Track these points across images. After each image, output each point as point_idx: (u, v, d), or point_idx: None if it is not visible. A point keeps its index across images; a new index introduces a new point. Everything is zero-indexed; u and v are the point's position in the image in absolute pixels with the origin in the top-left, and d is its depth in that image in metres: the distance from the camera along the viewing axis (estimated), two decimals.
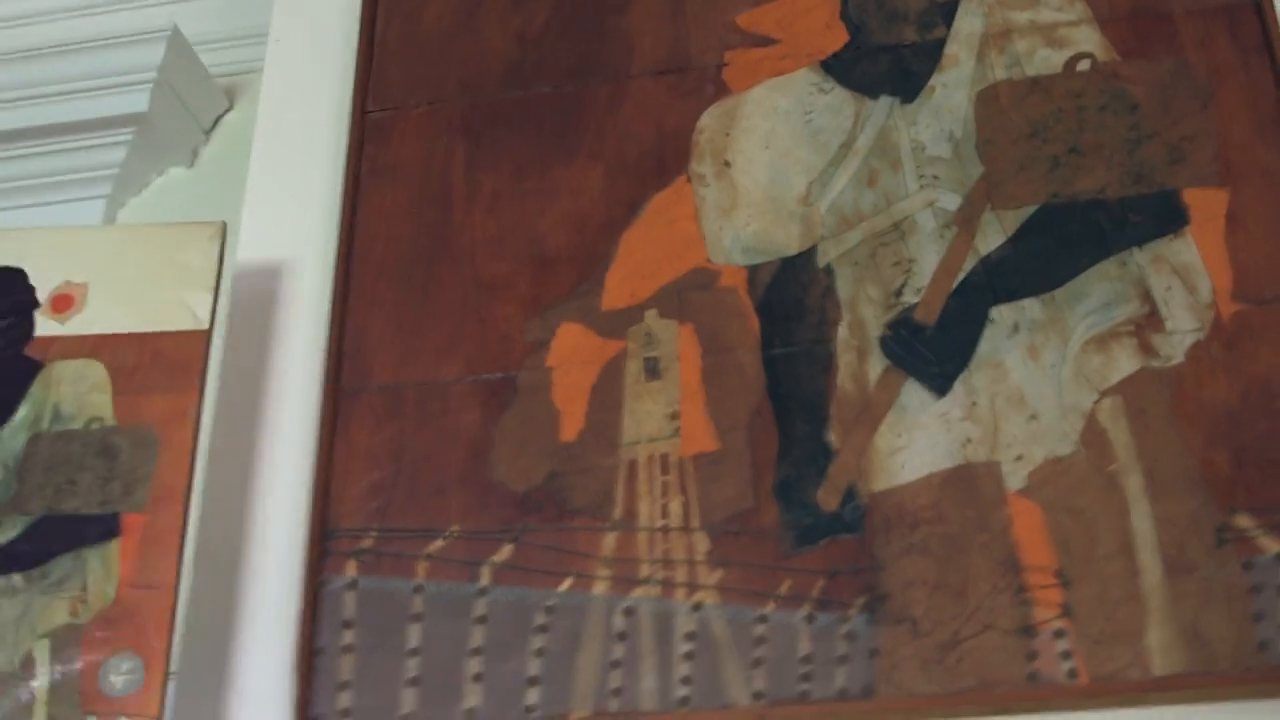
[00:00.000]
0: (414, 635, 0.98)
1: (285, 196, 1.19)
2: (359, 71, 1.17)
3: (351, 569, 1.01)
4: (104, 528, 1.01)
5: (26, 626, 0.99)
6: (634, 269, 1.06)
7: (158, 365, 1.05)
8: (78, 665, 0.97)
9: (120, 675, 0.97)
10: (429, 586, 1.00)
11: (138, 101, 1.90)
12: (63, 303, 1.09)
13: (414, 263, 1.10)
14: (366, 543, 1.02)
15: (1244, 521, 0.91)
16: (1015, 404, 0.97)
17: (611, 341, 1.04)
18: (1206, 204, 1.00)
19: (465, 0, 1.20)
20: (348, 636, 1.00)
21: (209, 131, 2.00)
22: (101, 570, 1.00)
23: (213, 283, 1.07)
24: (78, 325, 1.08)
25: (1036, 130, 1.04)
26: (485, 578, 0.99)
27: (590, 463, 1.01)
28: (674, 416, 1.01)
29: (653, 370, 1.03)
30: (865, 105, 1.08)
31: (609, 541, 0.98)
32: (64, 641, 0.98)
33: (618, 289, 1.06)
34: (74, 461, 1.03)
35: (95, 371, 1.06)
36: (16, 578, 1.00)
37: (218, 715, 1.01)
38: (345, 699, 0.98)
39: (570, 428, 1.02)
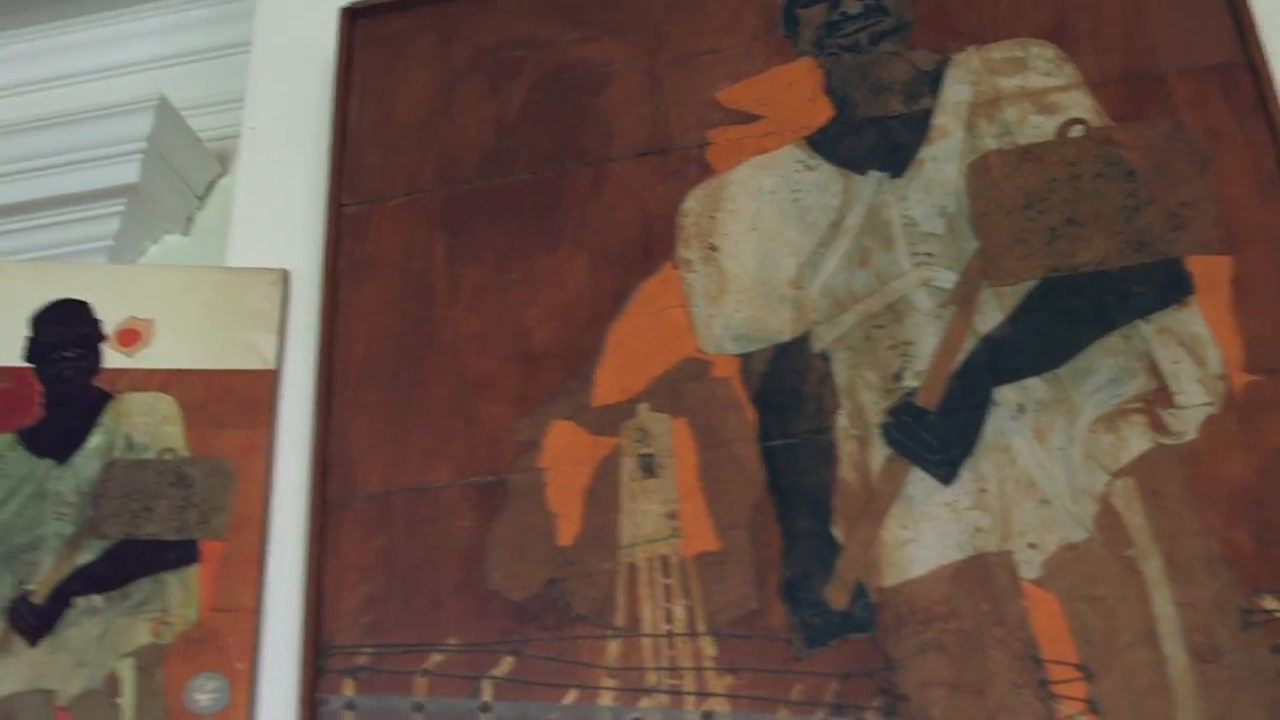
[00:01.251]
0: None
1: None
2: (333, 163, 1.14)
3: (349, 688, 0.98)
4: (183, 553, 1.06)
5: (109, 646, 1.04)
6: (624, 362, 1.03)
7: (228, 401, 1.11)
8: (163, 684, 1.01)
9: (206, 694, 1.01)
10: (429, 704, 0.97)
11: (128, 172, 1.89)
12: (129, 337, 1.15)
13: (398, 362, 1.07)
14: (362, 660, 0.99)
15: (1271, 603, 0.88)
16: (1025, 489, 0.93)
17: (604, 439, 1.01)
18: (1211, 271, 0.97)
19: (440, 86, 1.16)
20: None
21: (202, 197, 1.99)
22: (182, 593, 1.05)
23: (277, 325, 1.13)
24: (145, 359, 1.14)
25: (1031, 201, 1.01)
26: (487, 693, 0.96)
27: (589, 567, 0.98)
28: (672, 516, 0.98)
29: (648, 468, 1.00)
30: (853, 181, 1.05)
31: (613, 649, 0.95)
32: (148, 661, 1.03)
33: (608, 383, 1.02)
34: (149, 489, 1.08)
35: (166, 404, 1.12)
36: (96, 598, 1.05)
37: None
38: None
39: (567, 531, 0.99)
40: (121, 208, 1.88)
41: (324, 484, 1.04)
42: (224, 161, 2.00)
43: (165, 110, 1.88)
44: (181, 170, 1.93)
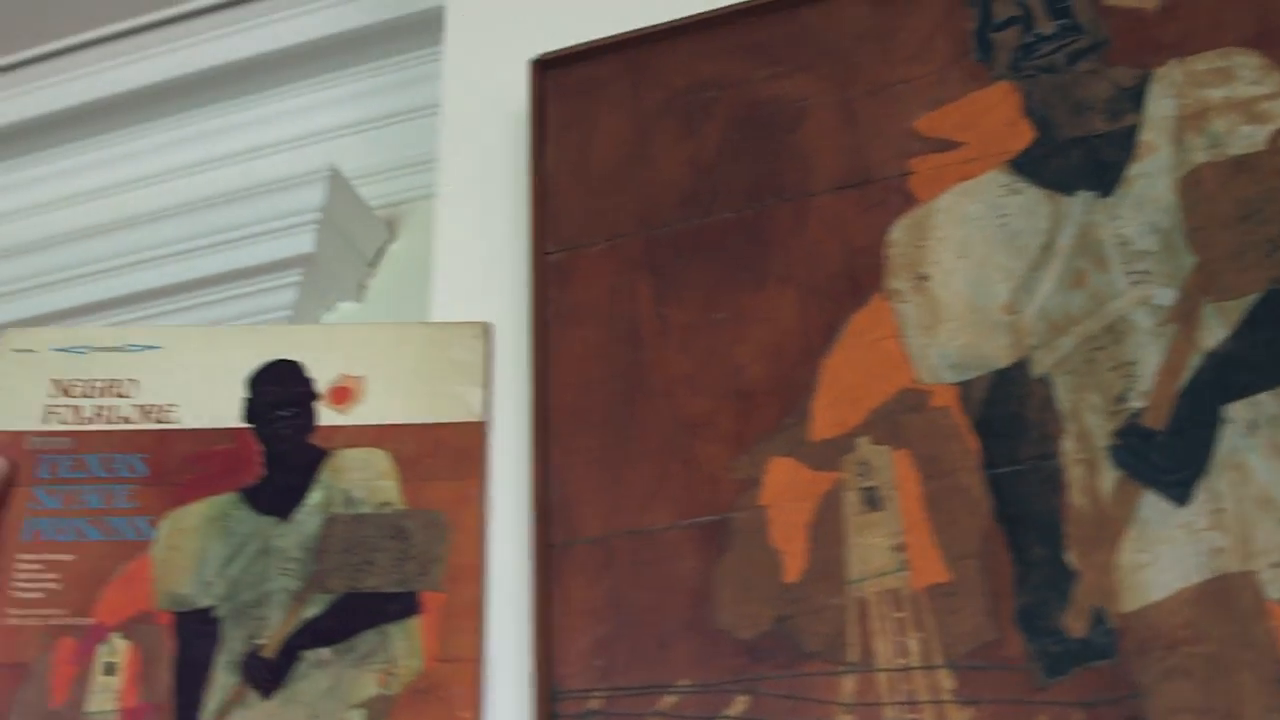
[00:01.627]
0: None
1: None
2: (533, 213, 1.16)
3: None
4: (404, 605, 1.08)
5: (338, 698, 1.06)
6: (840, 395, 1.02)
7: (440, 454, 1.13)
8: None
9: None
10: None
11: (304, 243, 1.93)
12: (342, 394, 1.18)
13: (611, 406, 1.08)
14: (594, 704, 0.99)
15: None
16: (1264, 507, 0.91)
17: (824, 474, 1.01)
18: None
19: (633, 131, 1.17)
20: None
21: (373, 264, 2.02)
22: (406, 645, 1.07)
23: (482, 378, 1.16)
24: (359, 416, 1.17)
25: (1248, 213, 0.99)
26: None
27: (818, 603, 0.97)
28: (900, 548, 0.97)
29: (872, 501, 0.99)
30: (1061, 203, 1.04)
31: (848, 685, 0.94)
32: (377, 712, 1.05)
33: (825, 417, 1.02)
34: (369, 543, 1.10)
35: (380, 459, 1.14)
36: (325, 651, 1.08)
37: None
38: None
39: (793, 568, 0.99)
40: (298, 278, 1.92)
41: (547, 528, 1.05)
42: (392, 227, 2.04)
43: (337, 181, 1.92)
44: (353, 238, 1.97)
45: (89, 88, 2.10)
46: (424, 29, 1.99)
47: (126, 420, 1.21)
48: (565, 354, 1.10)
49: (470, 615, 1.08)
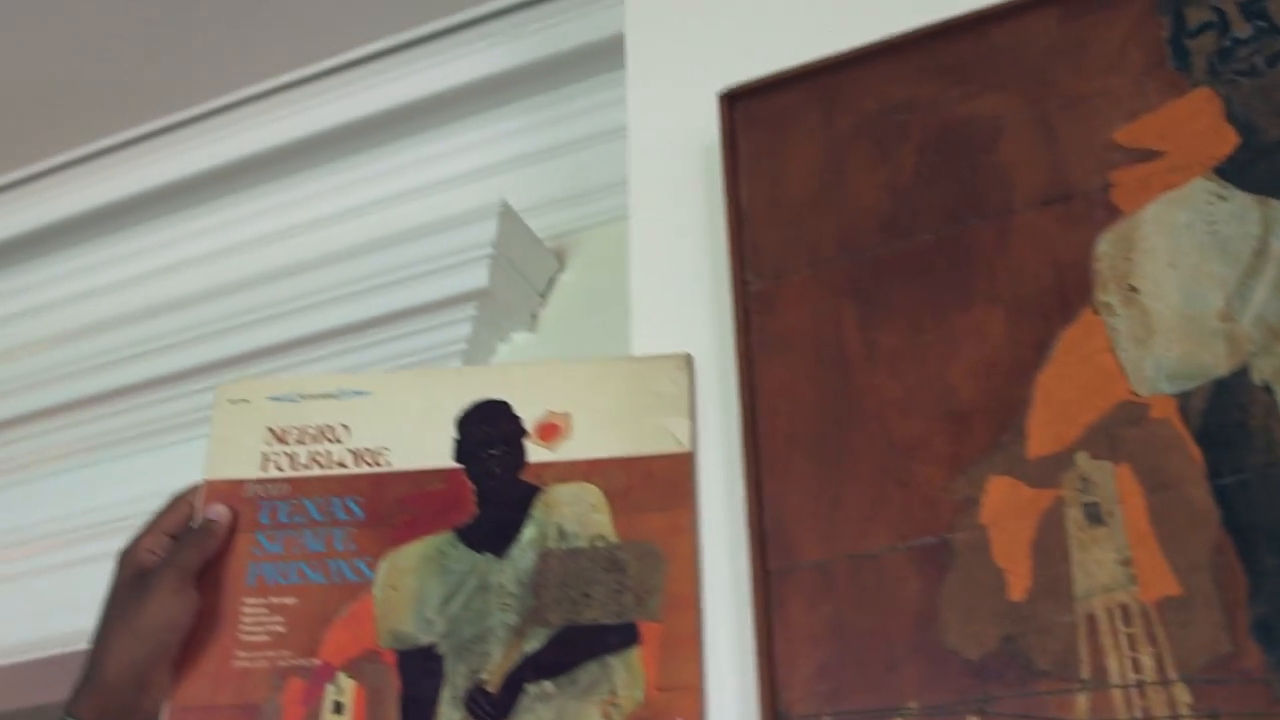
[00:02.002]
0: None
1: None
2: (732, 244, 1.17)
3: None
4: (624, 636, 1.10)
5: None
6: (1055, 412, 1.02)
7: (649, 486, 1.15)
8: None
9: None
10: None
11: (478, 277, 1.97)
12: (549, 431, 1.20)
13: (823, 433, 1.09)
14: None
15: None
16: None
17: (1044, 491, 1.00)
18: None
19: (827, 158, 1.18)
20: None
21: (544, 294, 2.05)
22: (627, 675, 1.09)
23: (687, 409, 1.17)
24: (567, 451, 1.19)
25: None
26: None
27: (1046, 621, 0.97)
28: (1126, 563, 0.97)
29: (1094, 516, 0.99)
30: (1271, 207, 1.03)
31: (1081, 703, 0.94)
32: None
33: (1042, 434, 1.02)
34: (585, 576, 1.13)
35: (591, 493, 1.17)
36: (548, 684, 1.10)
37: None
38: None
39: (1018, 586, 0.99)
40: (474, 312, 1.96)
41: (764, 554, 1.06)
42: (560, 258, 2.07)
43: (507, 214, 1.95)
44: (524, 270, 2.00)
45: (263, 137, 2.16)
46: (586, 61, 2.03)
47: (341, 464, 1.25)
48: (772, 381, 1.11)
49: (689, 644, 1.09)
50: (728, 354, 1.15)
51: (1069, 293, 1.06)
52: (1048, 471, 1.01)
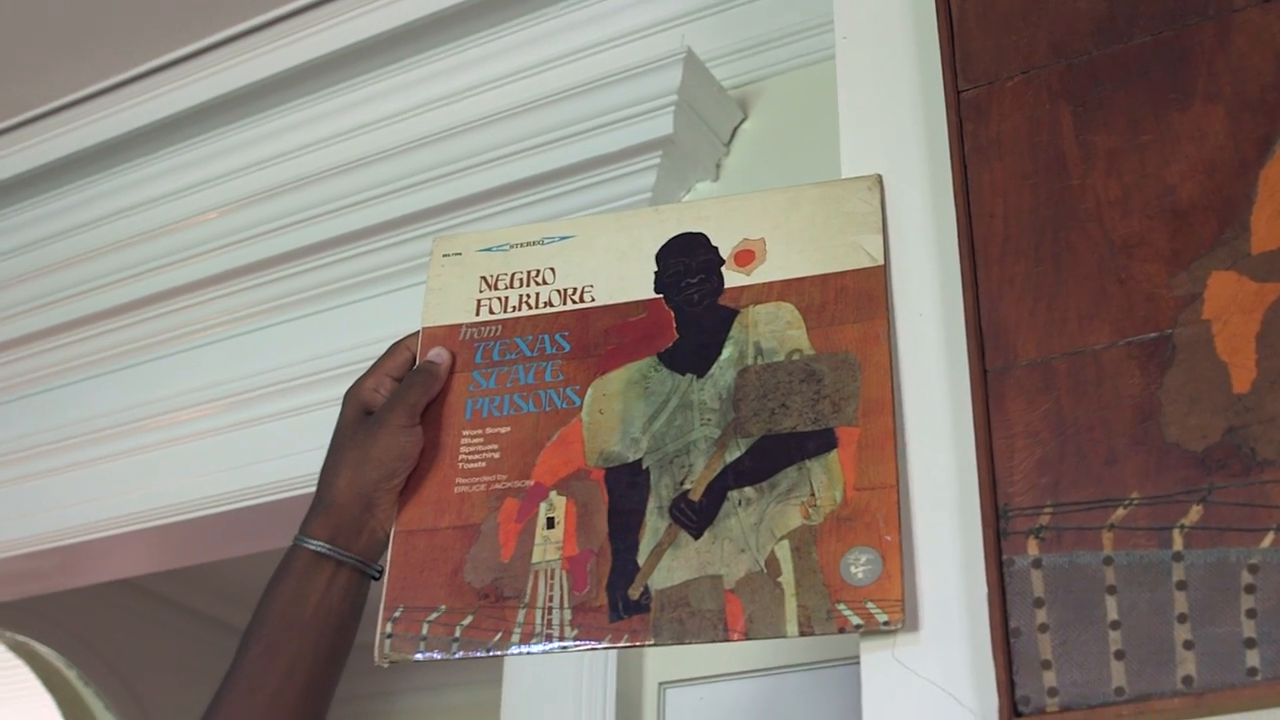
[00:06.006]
0: (1112, 607, 0.97)
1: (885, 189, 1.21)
2: (945, 51, 1.17)
3: (1033, 547, 1.01)
4: (821, 441, 1.13)
5: (766, 531, 1.12)
6: None
7: (843, 300, 1.18)
8: (819, 561, 1.09)
9: (860, 567, 1.08)
10: (1118, 557, 0.98)
11: (663, 125, 1.99)
12: (745, 257, 1.24)
13: (1039, 234, 1.09)
14: (1044, 519, 1.01)
15: None
16: None
17: (1269, 285, 1.00)
18: None
19: None
20: (1041, 615, 0.99)
21: (728, 143, 2.06)
22: (825, 478, 1.12)
23: (879, 225, 1.19)
24: (762, 274, 1.23)
25: None
26: (1178, 542, 0.97)
27: (1271, 412, 0.97)
28: None
29: None
30: None
31: None
32: (802, 541, 1.10)
33: (1267, 229, 1.01)
34: (782, 388, 1.17)
35: (787, 311, 1.20)
36: (748, 490, 1.14)
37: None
38: (1050, 678, 0.98)
39: (1242, 379, 0.99)
40: (658, 160, 1.98)
41: (982, 354, 1.07)
42: (743, 107, 2.07)
43: (692, 62, 1.96)
44: (708, 119, 2.01)
45: None
46: None
47: (548, 304, 1.31)
48: (987, 186, 1.12)
49: (886, 445, 1.12)
50: (941, 162, 1.15)
51: None
52: (1273, 265, 1.00)
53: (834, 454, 1.13)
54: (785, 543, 1.11)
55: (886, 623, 1.05)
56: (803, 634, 1.08)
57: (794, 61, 2.04)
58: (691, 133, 1.98)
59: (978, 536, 1.03)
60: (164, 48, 2.39)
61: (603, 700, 1.72)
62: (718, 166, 2.04)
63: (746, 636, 1.10)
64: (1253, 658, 0.92)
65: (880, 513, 1.09)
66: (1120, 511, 0.99)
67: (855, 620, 1.06)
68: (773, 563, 1.11)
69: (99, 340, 2.50)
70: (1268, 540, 0.94)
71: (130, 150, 2.54)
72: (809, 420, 1.15)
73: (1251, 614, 0.93)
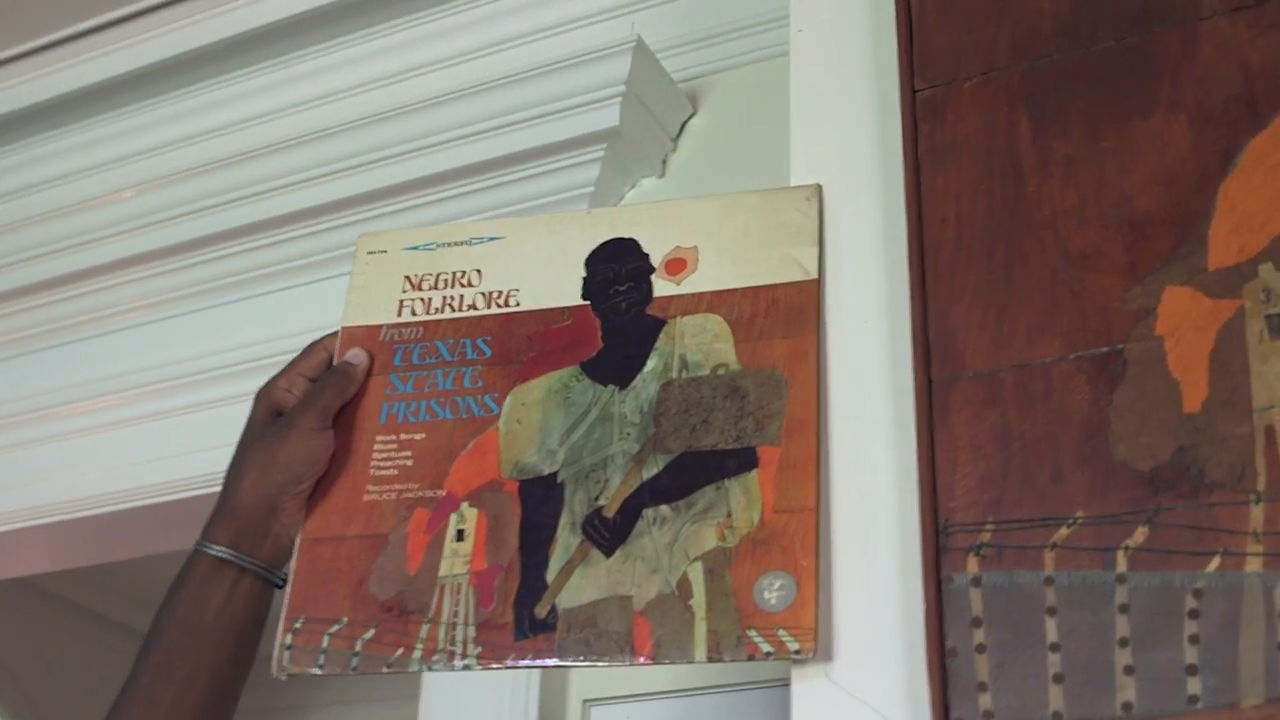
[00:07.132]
0: (1052, 629, 0.94)
1: (832, 192, 1.17)
2: (902, 49, 1.14)
3: (973, 565, 0.98)
4: (742, 460, 1.10)
5: (679, 552, 1.08)
6: (1240, 222, 0.98)
7: (773, 314, 1.14)
8: (731, 584, 1.05)
9: (774, 592, 1.04)
10: (1060, 578, 0.95)
11: (609, 117, 1.95)
12: (676, 266, 1.21)
13: (992, 242, 1.06)
14: (985, 536, 0.98)
15: None
16: None
17: (1224, 302, 0.97)
18: None
19: None
20: (979, 635, 0.96)
21: (675, 139, 2.02)
22: (744, 499, 1.08)
23: (816, 238, 1.15)
24: (692, 284, 1.19)
25: None
26: (1121, 564, 0.94)
27: (1221, 432, 0.94)
28: None
29: (1277, 329, 0.95)
30: None
31: (1256, 515, 0.92)
32: (716, 564, 1.07)
33: (1224, 245, 0.98)
34: (705, 403, 1.13)
35: (715, 324, 1.16)
36: (664, 508, 1.10)
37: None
38: (986, 700, 0.94)
39: (1193, 398, 0.96)
40: (602, 153, 1.93)
41: (927, 364, 1.04)
42: (694, 101, 2.03)
43: (641, 52, 1.92)
44: (656, 112, 1.97)
45: None
46: None
47: (472, 307, 1.28)
48: (941, 190, 1.09)
49: (808, 466, 1.08)
50: (893, 164, 1.12)
51: (1259, 101, 1.01)
52: (1229, 282, 0.98)
53: (754, 474, 1.10)
54: (699, 564, 1.08)
55: (798, 651, 1.01)
56: (711, 660, 1.04)
57: (749, 56, 1.99)
58: (638, 126, 1.92)
59: (917, 552, 0.99)
60: (84, 13, 2.29)
61: (524, 718, 1.67)
62: (664, 163, 1.99)
63: (654, 660, 1.06)
64: (1194, 685, 0.89)
65: (798, 536, 1.06)
66: (1064, 530, 0.96)
67: (766, 648, 1.02)
68: (685, 585, 1.07)
69: None
70: (1213, 564, 0.92)
71: (41, 122, 2.40)
72: (730, 438, 1.12)
73: (1194, 640, 0.90)
